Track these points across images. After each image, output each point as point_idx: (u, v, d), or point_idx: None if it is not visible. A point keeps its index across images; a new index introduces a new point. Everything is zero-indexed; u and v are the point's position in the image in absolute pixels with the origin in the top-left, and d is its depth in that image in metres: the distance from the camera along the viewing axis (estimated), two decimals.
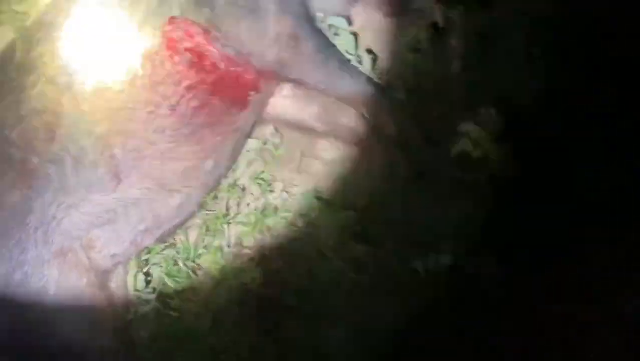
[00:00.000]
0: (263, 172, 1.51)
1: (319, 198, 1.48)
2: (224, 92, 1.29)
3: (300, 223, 1.47)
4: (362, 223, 1.44)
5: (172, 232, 1.41)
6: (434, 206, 1.42)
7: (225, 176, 1.46)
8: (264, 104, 1.44)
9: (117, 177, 1.20)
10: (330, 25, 1.49)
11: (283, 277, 1.45)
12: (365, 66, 1.49)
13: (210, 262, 1.44)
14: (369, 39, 1.59)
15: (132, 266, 1.37)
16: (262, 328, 1.41)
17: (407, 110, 1.51)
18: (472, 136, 1.18)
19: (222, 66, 1.28)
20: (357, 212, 1.45)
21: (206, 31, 1.25)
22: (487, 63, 1.49)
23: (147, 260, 1.40)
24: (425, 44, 1.38)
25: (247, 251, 1.47)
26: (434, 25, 1.34)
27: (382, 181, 1.47)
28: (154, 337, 1.34)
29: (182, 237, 1.45)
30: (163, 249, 1.42)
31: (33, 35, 1.24)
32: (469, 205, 1.43)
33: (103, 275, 1.28)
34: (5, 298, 1.17)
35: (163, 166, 1.25)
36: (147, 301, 1.35)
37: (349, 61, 1.46)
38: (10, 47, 1.25)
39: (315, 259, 1.44)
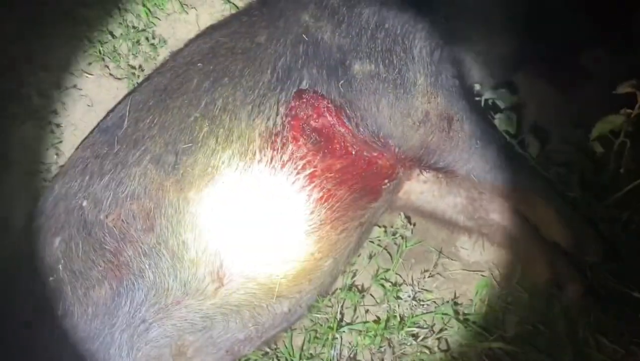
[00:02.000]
0: (388, 270, 1.24)
1: (457, 313, 1.18)
2: (353, 182, 1.05)
3: (431, 343, 1.17)
4: (514, 357, 1.11)
5: (275, 337, 1.18)
6: (613, 342, 1.06)
7: (343, 272, 1.22)
8: (397, 190, 1.18)
9: (219, 280, 0.99)
10: (487, 99, 1.21)
11: None
12: (531, 152, 1.18)
13: None
14: (533, 115, 1.29)
15: None
16: None
17: (582, 211, 1.18)
18: None
19: (353, 150, 1.04)
20: (507, 342, 1.13)
21: (338, 108, 1.03)
22: None
23: None
24: (625, 136, 1.04)
25: None
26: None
27: (545, 302, 1.15)
28: None
29: (287, 342, 1.21)
30: (262, 357, 1.19)
31: (146, 101, 1.09)
32: None
33: None
34: None
35: (272, 268, 1.03)
36: None
37: (511, 145, 1.17)
38: (121, 114, 1.11)
39: None
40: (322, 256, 1.07)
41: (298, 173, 1.00)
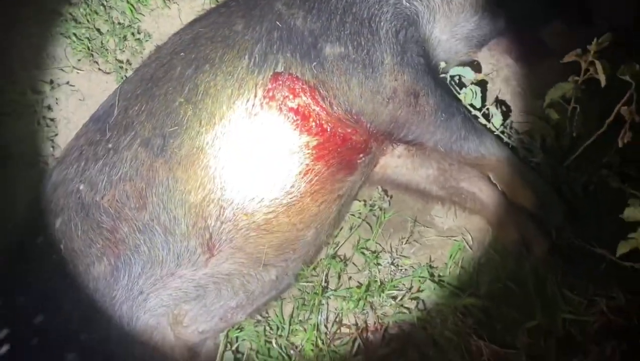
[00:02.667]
0: (368, 240, 1.33)
1: (433, 276, 1.27)
2: (330, 157, 1.13)
3: (410, 304, 1.26)
4: (488, 310, 1.21)
5: (265, 306, 1.27)
6: (579, 295, 1.16)
7: (327, 243, 1.30)
8: (373, 164, 1.27)
9: (209, 251, 1.08)
10: (453, 76, 1.29)
11: None
12: (495, 122, 1.27)
13: (305, 341, 1.27)
14: (497, 89, 1.38)
15: (221, 343, 1.24)
16: None
17: (545, 176, 1.27)
18: (635, 207, 0.91)
19: (328, 127, 1.12)
20: (480, 299, 1.22)
21: (313, 88, 1.11)
22: None
23: (237, 337, 1.27)
24: (574, 101, 1.13)
25: (346, 330, 1.29)
26: (591, 81, 1.09)
27: (514, 261, 1.24)
28: None
29: (277, 310, 1.30)
30: (255, 325, 1.28)
31: (134, 90, 1.17)
32: (620, 297, 1.16)
33: (190, 352, 1.16)
34: None
35: (259, 239, 1.11)
36: None
37: (475, 117, 1.25)
38: (111, 103, 1.19)
39: (427, 348, 1.23)
40: (304, 226, 1.16)
41: (278, 150, 1.09)
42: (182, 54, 1.17)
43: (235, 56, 1.13)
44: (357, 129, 1.14)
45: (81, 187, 1.11)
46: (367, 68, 1.12)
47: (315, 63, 1.11)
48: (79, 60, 1.48)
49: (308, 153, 1.11)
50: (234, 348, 1.26)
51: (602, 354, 1.13)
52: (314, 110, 1.10)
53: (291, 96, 1.10)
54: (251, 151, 1.08)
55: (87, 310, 1.08)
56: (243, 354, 1.27)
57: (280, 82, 1.10)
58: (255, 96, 1.09)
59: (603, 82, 1.00)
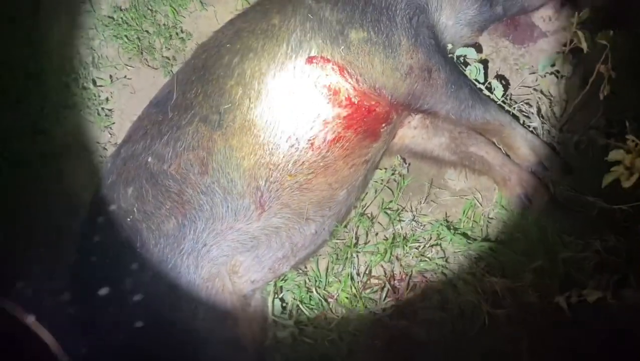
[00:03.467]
0: (391, 202, 1.53)
1: (449, 229, 1.46)
2: (357, 125, 1.34)
3: (430, 253, 1.46)
4: (498, 255, 1.40)
5: (305, 260, 1.47)
6: (576, 238, 1.35)
7: (355, 206, 1.50)
8: (393, 135, 1.47)
9: (261, 207, 1.28)
10: (459, 56, 1.50)
11: (413, 309, 1.44)
12: (497, 94, 1.47)
13: (340, 290, 1.47)
14: (497, 67, 1.58)
15: (270, 293, 1.44)
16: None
17: (542, 138, 1.46)
18: (625, 164, 1.10)
19: (356, 100, 1.33)
20: (492, 243, 1.41)
21: (342, 68, 1.31)
22: (627, 87, 1.42)
23: (282, 287, 1.46)
24: (563, 70, 1.33)
25: (375, 280, 1.49)
26: (576, 51, 1.29)
27: (519, 213, 1.43)
28: None
29: (314, 265, 1.50)
30: (296, 277, 1.47)
31: (189, 77, 1.37)
32: (611, 238, 1.35)
33: (244, 299, 1.35)
34: (159, 319, 1.28)
35: (301, 196, 1.31)
36: (285, 327, 1.40)
37: (480, 90, 1.45)
38: (168, 89, 1.40)
39: (447, 291, 1.42)
40: (338, 186, 1.36)
41: (315, 120, 1.29)
42: (227, 45, 1.38)
43: (275, 45, 1.33)
44: (380, 102, 1.34)
45: (149, 159, 1.31)
46: (387, 49, 1.32)
47: (343, 47, 1.31)
48: (130, 58, 1.70)
49: (340, 122, 1.31)
50: (280, 296, 1.46)
51: (598, 285, 1.32)
52: (343, 86, 1.31)
53: (324, 75, 1.30)
54: (293, 122, 1.28)
55: (159, 262, 1.28)
56: (287, 302, 1.46)
57: (315, 64, 1.30)
58: (294, 77, 1.29)
59: (585, 49, 1.20)
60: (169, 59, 1.68)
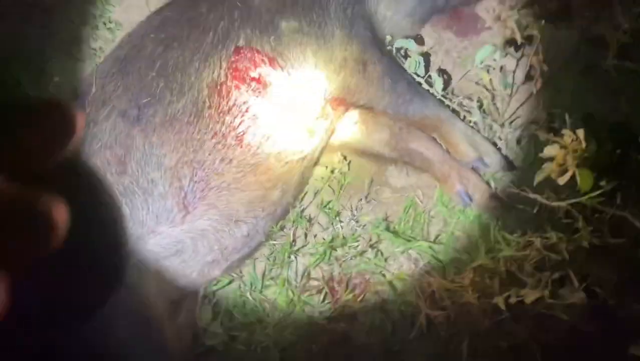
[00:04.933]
0: (330, 201, 1.46)
1: (389, 228, 1.41)
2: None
3: (370, 254, 1.40)
4: (438, 254, 1.35)
5: (239, 264, 1.39)
6: (517, 236, 1.31)
7: (293, 206, 1.43)
8: (331, 131, 1.41)
9: (185, 209, 1.20)
10: (398, 49, 1.44)
11: (352, 311, 1.38)
12: (437, 88, 1.41)
13: (277, 294, 1.40)
14: (440, 60, 1.53)
15: (200, 299, 1.36)
16: None
17: (483, 133, 1.42)
18: (558, 161, 1.07)
19: (287, 94, 1.26)
20: (432, 242, 1.36)
21: (272, 60, 1.24)
22: (568, 80, 1.40)
23: (214, 292, 1.39)
24: (501, 63, 1.29)
25: (314, 283, 1.42)
26: (512, 43, 1.25)
27: (458, 211, 1.39)
28: None
29: (250, 268, 1.42)
30: (230, 282, 1.40)
31: (109, 69, 1.28)
32: (552, 235, 1.32)
33: (171, 307, 1.27)
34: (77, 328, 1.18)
35: (230, 197, 1.24)
36: (215, 335, 1.32)
37: (419, 83, 1.40)
38: (89, 82, 1.30)
39: (387, 292, 1.37)
40: (270, 185, 1.29)
41: (242, 115, 1.21)
42: (152, 35, 1.29)
43: (201, 34, 1.25)
44: (314, 96, 1.27)
45: None
46: (320, 40, 1.26)
47: (273, 37, 1.24)
48: (54, 49, 1.59)
49: (271, 118, 1.24)
50: (212, 303, 1.38)
51: (537, 285, 1.29)
52: (274, 79, 1.24)
53: (252, 67, 1.23)
54: (219, 117, 1.20)
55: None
56: (220, 308, 1.39)
57: (242, 54, 1.23)
58: (220, 68, 1.22)
59: (519, 40, 1.16)
60: (97, 50, 1.58)
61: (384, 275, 1.38)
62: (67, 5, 1.62)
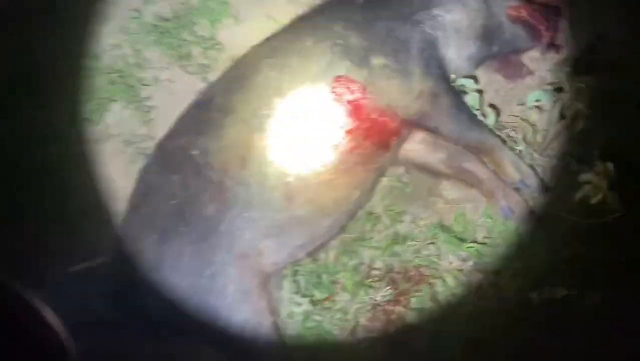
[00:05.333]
0: (394, 205, 1.77)
1: (442, 230, 1.71)
2: (374, 137, 1.57)
3: (425, 251, 1.70)
4: (483, 256, 1.65)
5: (318, 250, 1.68)
6: (550, 246, 1.60)
7: (364, 206, 1.73)
8: (399, 148, 1.71)
9: (289, 199, 1.50)
10: (460, 85, 1.76)
11: (408, 298, 1.67)
12: (489, 120, 1.73)
13: (346, 278, 1.69)
14: (491, 97, 1.84)
15: (286, 274, 1.66)
16: (389, 341, 1.63)
17: (525, 160, 1.73)
18: (593, 184, 1.36)
19: (374, 115, 1.57)
20: (478, 245, 1.66)
21: (364, 88, 1.55)
22: (604, 121, 1.70)
23: (297, 271, 1.68)
24: (546, 104, 1.60)
25: (376, 272, 1.72)
26: (558, 89, 1.57)
27: (502, 222, 1.68)
28: (300, 335, 1.61)
29: (324, 255, 1.72)
30: (309, 263, 1.69)
31: (230, 85, 1.59)
32: (579, 247, 1.61)
33: (266, 278, 1.56)
34: (194, 289, 1.48)
35: (323, 193, 1.54)
36: (299, 304, 1.62)
37: (476, 115, 1.71)
38: (210, 93, 1.62)
39: (438, 284, 1.66)
40: (354, 187, 1.59)
41: (339, 130, 1.52)
42: (266, 60, 1.61)
43: (308, 63, 1.57)
44: (394, 118, 1.58)
45: (195, 152, 1.52)
46: (402, 75, 1.57)
47: (366, 70, 1.56)
48: (170, 62, 1.91)
49: (360, 133, 1.54)
50: (295, 278, 1.67)
51: (566, 285, 1.58)
52: (364, 103, 1.55)
53: (349, 93, 1.54)
54: (322, 130, 1.51)
55: (199, 241, 1.48)
56: (301, 284, 1.68)
57: (341, 82, 1.54)
58: (324, 92, 1.53)
59: (564, 88, 1.47)
60: (205, 67, 1.90)
61: (436, 269, 1.67)
62: (181, 27, 1.95)
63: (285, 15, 1.78)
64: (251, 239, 1.51)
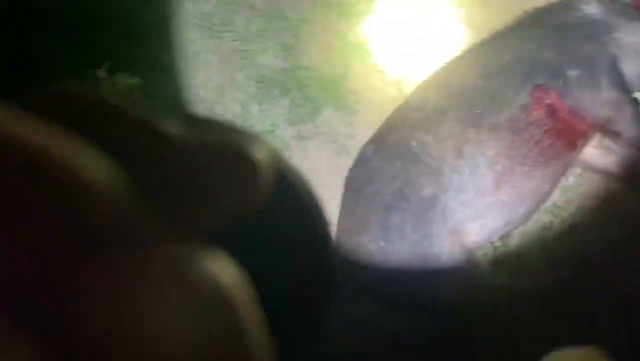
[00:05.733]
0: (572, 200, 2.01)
1: (614, 228, 1.92)
2: (565, 137, 1.84)
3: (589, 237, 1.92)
4: None
5: (508, 234, 1.94)
6: None
7: (547, 200, 1.98)
8: (582, 147, 1.96)
9: (497, 185, 1.78)
10: (635, 98, 2.00)
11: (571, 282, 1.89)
12: None
13: (526, 262, 1.93)
14: None
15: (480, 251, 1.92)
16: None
17: None
18: None
19: (567, 118, 1.83)
20: None
21: (560, 95, 1.83)
22: None
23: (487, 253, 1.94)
24: None
25: (553, 259, 1.95)
26: None
27: None
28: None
29: (508, 240, 1.97)
30: (498, 247, 1.95)
31: (439, 90, 1.91)
32: None
33: (470, 254, 1.83)
34: (414, 256, 1.77)
35: (524, 183, 1.80)
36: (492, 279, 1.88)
37: None
38: (421, 98, 1.94)
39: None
40: (547, 179, 1.85)
41: (540, 128, 1.79)
42: (472, 69, 1.92)
43: (511, 74, 1.86)
44: (583, 122, 1.84)
45: (413, 143, 1.83)
46: (593, 86, 1.84)
47: (562, 80, 1.83)
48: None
49: (555, 133, 1.81)
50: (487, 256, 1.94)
51: None
52: (560, 107, 1.82)
53: (546, 97, 1.82)
54: (526, 128, 1.79)
55: (417, 216, 1.78)
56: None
57: (540, 90, 1.82)
58: (527, 97, 1.81)
59: None
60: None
61: None
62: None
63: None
64: (460, 220, 1.79)
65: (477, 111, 1.82)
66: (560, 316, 1.84)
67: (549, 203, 2.01)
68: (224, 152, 0.23)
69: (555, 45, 1.89)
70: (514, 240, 1.99)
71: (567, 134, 1.84)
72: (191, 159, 0.22)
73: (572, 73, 1.85)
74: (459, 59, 2.02)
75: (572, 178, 2.03)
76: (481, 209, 1.80)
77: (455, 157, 1.80)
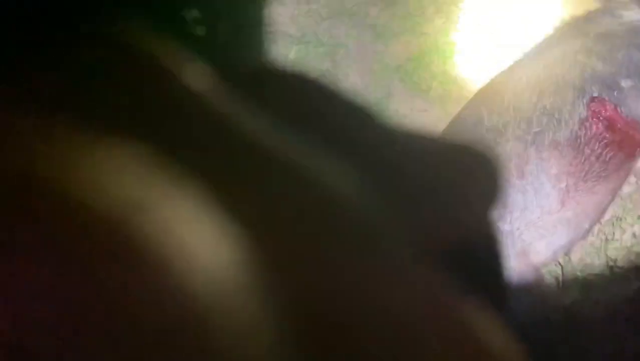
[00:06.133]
0: (633, 208, 1.99)
1: None
2: (625, 149, 1.82)
3: None
4: None
5: (569, 250, 1.92)
6: None
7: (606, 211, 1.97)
8: (638, 159, 1.95)
9: (562, 203, 1.75)
10: None
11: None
12: None
13: (592, 276, 1.91)
14: None
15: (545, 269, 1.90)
16: None
17: None
18: None
19: (625, 129, 1.82)
20: None
21: (615, 106, 1.81)
22: None
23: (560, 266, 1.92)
24: None
25: (618, 270, 1.93)
26: None
27: None
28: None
29: (570, 255, 1.95)
30: (562, 264, 1.93)
31: (492, 109, 1.89)
32: None
33: (537, 274, 1.81)
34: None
35: (587, 198, 1.78)
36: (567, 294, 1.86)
37: None
38: (473, 115, 1.92)
39: None
40: (608, 193, 1.83)
41: (599, 142, 1.77)
42: (521, 86, 1.90)
43: (565, 87, 1.84)
44: (639, 132, 1.83)
45: None
46: None
47: (616, 91, 1.82)
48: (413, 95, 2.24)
49: (614, 145, 1.79)
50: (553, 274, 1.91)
51: None
52: (616, 118, 1.80)
53: (603, 110, 1.80)
54: (586, 144, 1.77)
55: (487, 239, 1.74)
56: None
57: (596, 101, 1.81)
58: (584, 109, 1.79)
59: None
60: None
61: None
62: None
63: None
64: (527, 240, 1.77)
65: (536, 129, 1.79)
66: (632, 329, 1.82)
67: (607, 214, 1.99)
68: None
69: (604, 55, 1.88)
70: (577, 255, 1.97)
71: (626, 146, 1.82)
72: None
73: (626, 83, 1.83)
74: (506, 75, 2.00)
75: (626, 187, 2.02)
76: (547, 228, 1.78)
77: (518, 177, 1.77)
